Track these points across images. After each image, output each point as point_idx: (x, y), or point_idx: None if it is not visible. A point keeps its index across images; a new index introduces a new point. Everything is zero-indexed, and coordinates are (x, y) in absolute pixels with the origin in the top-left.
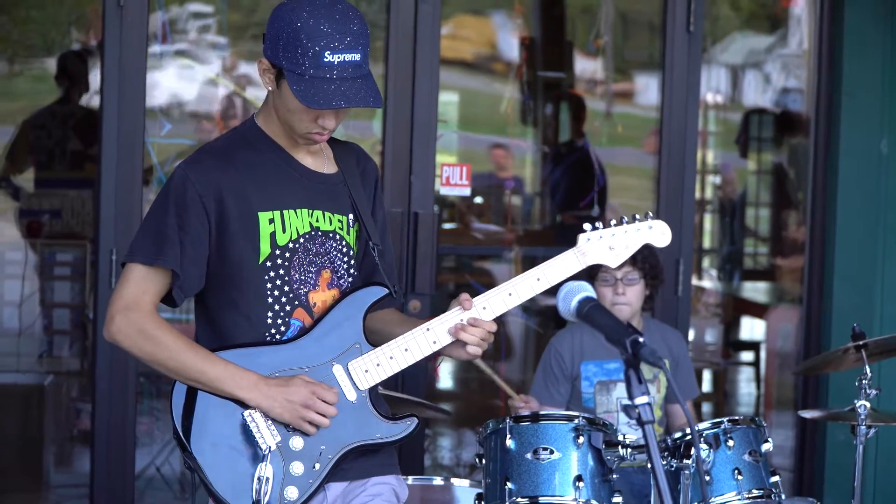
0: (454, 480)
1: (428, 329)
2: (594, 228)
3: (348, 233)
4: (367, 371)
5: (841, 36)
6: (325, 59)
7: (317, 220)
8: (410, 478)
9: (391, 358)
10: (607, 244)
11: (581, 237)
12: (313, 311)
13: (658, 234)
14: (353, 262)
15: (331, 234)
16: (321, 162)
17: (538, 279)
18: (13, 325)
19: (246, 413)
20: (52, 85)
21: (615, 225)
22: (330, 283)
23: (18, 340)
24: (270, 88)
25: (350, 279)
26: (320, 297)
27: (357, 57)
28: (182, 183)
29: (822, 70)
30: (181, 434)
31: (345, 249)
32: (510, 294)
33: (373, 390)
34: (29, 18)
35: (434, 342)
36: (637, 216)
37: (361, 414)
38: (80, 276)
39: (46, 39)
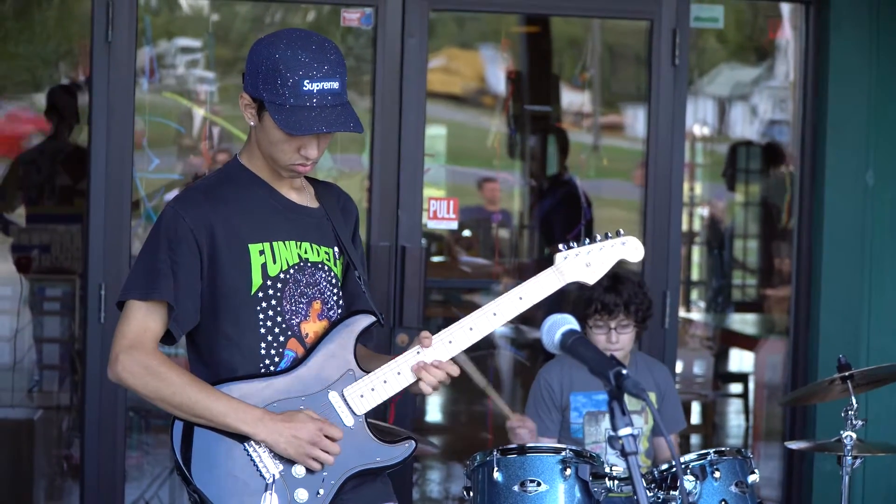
0: None
1: (418, 352)
2: (569, 247)
3: (335, 264)
4: (362, 396)
5: (826, 68)
6: (305, 88)
7: (305, 252)
8: None
9: (385, 382)
10: (584, 261)
11: (558, 256)
12: (305, 341)
13: (631, 249)
14: (340, 293)
15: (319, 265)
16: (305, 197)
17: (520, 298)
18: (3, 360)
19: (247, 444)
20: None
21: (590, 243)
22: (320, 314)
23: (8, 376)
24: (252, 123)
25: (339, 310)
26: (312, 327)
27: (335, 85)
28: (173, 219)
29: (808, 102)
30: (183, 467)
31: (333, 280)
32: (495, 314)
33: (369, 415)
34: (17, 54)
35: (398, 373)
36: (609, 234)
37: (360, 438)
38: (69, 310)
39: (35, 75)
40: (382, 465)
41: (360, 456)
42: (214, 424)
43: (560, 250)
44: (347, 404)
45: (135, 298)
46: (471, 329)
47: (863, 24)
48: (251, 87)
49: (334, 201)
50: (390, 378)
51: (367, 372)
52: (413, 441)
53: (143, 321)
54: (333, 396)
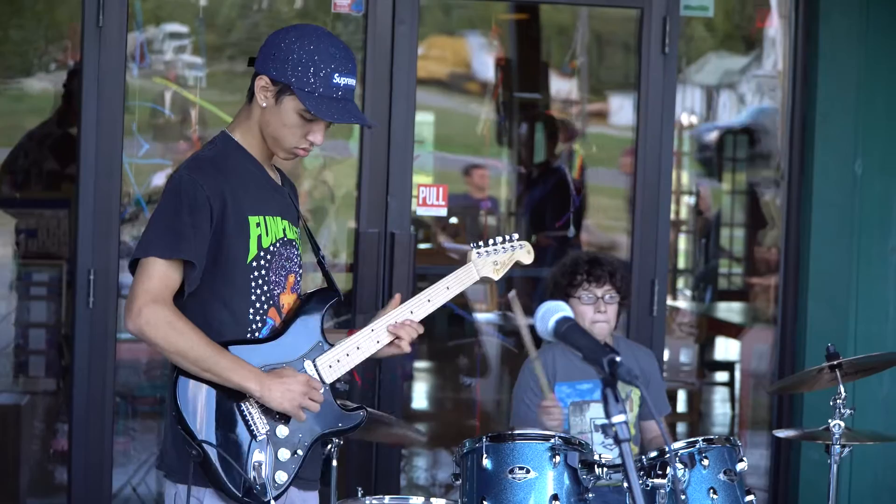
0: (432, 500)
1: (372, 330)
2: (478, 246)
3: (300, 243)
4: (330, 366)
5: (815, 57)
6: (334, 81)
7: (285, 229)
8: (387, 497)
9: (348, 355)
10: (493, 260)
11: (472, 253)
12: (282, 311)
13: (525, 252)
14: (301, 270)
15: (293, 243)
16: (278, 178)
17: (447, 287)
18: None
19: (243, 403)
20: (31, 105)
21: (493, 245)
22: (293, 287)
23: None
24: (265, 105)
25: (300, 286)
26: (287, 299)
27: (354, 82)
28: (192, 185)
29: (797, 91)
30: (189, 424)
31: (300, 258)
32: (429, 300)
33: (331, 384)
34: (7, 38)
35: (377, 342)
36: (506, 237)
37: (327, 405)
38: (55, 295)
39: (25, 59)
40: (343, 429)
41: (327, 421)
42: (219, 380)
43: (472, 248)
44: (318, 373)
45: (159, 256)
46: (412, 312)
47: (852, 14)
48: (276, 71)
49: (288, 186)
50: (352, 351)
51: (332, 345)
52: (365, 410)
53: (164, 278)
54: (308, 365)
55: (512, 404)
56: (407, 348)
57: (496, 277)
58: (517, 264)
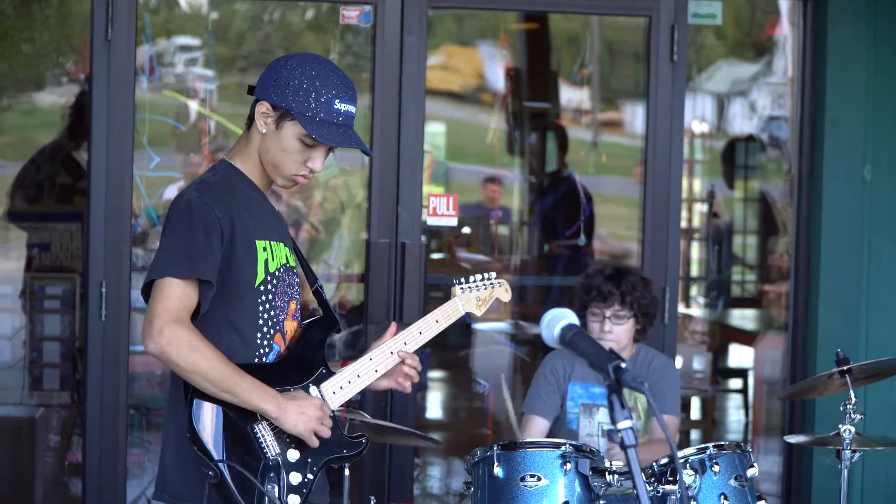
0: None
1: (371, 359)
2: (460, 282)
3: (297, 271)
4: (334, 393)
5: (824, 64)
6: (335, 106)
7: (287, 255)
8: None
9: (349, 382)
10: (475, 296)
11: (456, 289)
12: (286, 337)
13: (503, 291)
14: (300, 298)
15: (293, 270)
16: (276, 205)
17: (436, 321)
18: (4, 359)
19: (257, 426)
20: (41, 119)
21: (474, 282)
22: (294, 314)
23: (8, 374)
24: (264, 131)
25: (299, 314)
26: (290, 325)
27: (354, 110)
28: (203, 207)
29: (806, 97)
30: (205, 445)
31: (299, 285)
32: (420, 332)
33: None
34: (19, 52)
35: (376, 370)
36: (486, 276)
37: (333, 432)
38: (69, 308)
39: (36, 73)
40: (347, 455)
41: (333, 447)
42: (237, 401)
43: (455, 283)
44: (323, 398)
45: (176, 276)
46: (405, 343)
47: (860, 20)
48: (277, 97)
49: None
50: (353, 379)
51: (334, 372)
52: (366, 438)
53: (182, 298)
54: (313, 390)
55: (527, 393)
56: (410, 382)
57: (479, 313)
58: (497, 301)
